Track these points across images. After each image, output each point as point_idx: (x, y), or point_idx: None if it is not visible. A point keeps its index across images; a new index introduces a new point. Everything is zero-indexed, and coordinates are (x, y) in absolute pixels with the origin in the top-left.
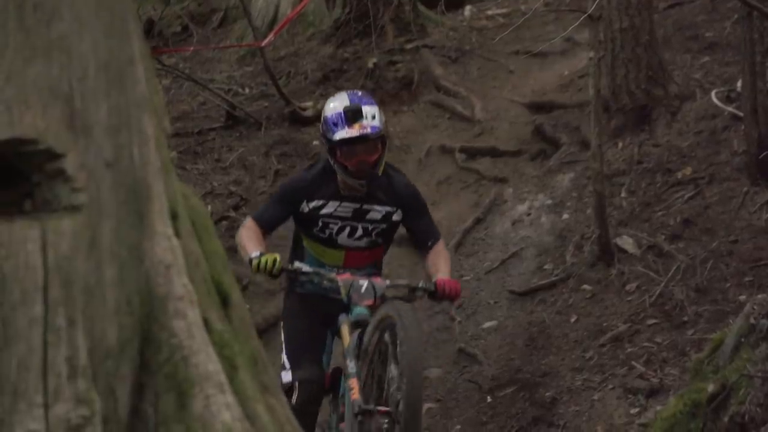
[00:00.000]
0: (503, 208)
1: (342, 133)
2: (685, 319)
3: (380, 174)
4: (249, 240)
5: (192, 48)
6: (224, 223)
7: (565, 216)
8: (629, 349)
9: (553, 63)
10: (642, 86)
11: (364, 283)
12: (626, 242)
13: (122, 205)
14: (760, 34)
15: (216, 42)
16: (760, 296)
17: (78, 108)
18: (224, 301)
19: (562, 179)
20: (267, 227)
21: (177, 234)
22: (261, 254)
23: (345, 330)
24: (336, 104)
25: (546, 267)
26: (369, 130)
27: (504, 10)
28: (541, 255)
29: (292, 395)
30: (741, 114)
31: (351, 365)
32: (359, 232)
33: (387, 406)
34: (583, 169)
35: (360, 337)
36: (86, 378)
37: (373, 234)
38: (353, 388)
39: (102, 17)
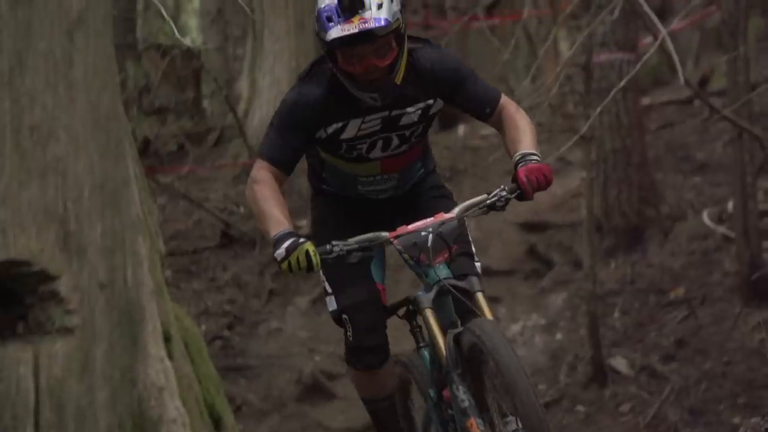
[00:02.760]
0: None
1: (336, 31)
2: None
3: (399, 81)
4: (267, 205)
5: (187, 167)
6: (218, 342)
7: (558, 336)
8: None
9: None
10: (634, 206)
11: (429, 235)
12: (620, 363)
13: (115, 327)
14: (751, 156)
15: (212, 161)
16: (753, 420)
17: (72, 229)
18: (217, 424)
19: (555, 299)
20: (287, 169)
21: (170, 356)
22: (287, 251)
23: (432, 321)
24: None
25: (539, 387)
26: (373, 24)
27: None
28: (534, 375)
29: (346, 329)
30: (732, 235)
31: (461, 393)
32: (395, 142)
33: None
34: (576, 289)
35: (458, 340)
36: None
37: (413, 137)
38: None
39: (98, 138)
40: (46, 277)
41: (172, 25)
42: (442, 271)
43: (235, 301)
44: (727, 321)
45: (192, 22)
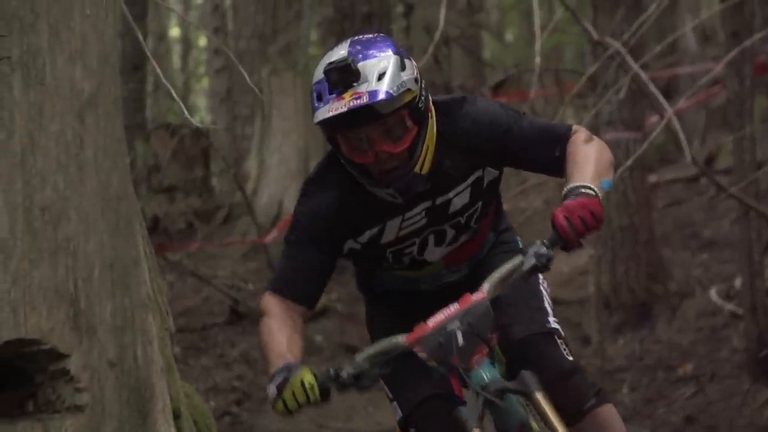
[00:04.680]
0: None
1: (323, 111)
2: None
3: (423, 169)
4: (268, 338)
5: (196, 245)
6: (227, 418)
7: None
8: None
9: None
10: (642, 283)
11: (455, 329)
12: None
13: (125, 405)
14: (758, 234)
15: (220, 238)
16: None
17: (83, 308)
18: None
19: None
20: (305, 301)
21: None
22: (278, 388)
23: None
24: (324, 63)
25: None
26: (367, 98)
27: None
28: None
29: None
30: (740, 312)
31: None
32: (450, 233)
33: None
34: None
35: None
36: None
37: (472, 222)
38: None
39: (108, 218)
40: (56, 355)
41: (182, 105)
42: (484, 374)
43: (243, 377)
44: (736, 398)
45: (201, 102)
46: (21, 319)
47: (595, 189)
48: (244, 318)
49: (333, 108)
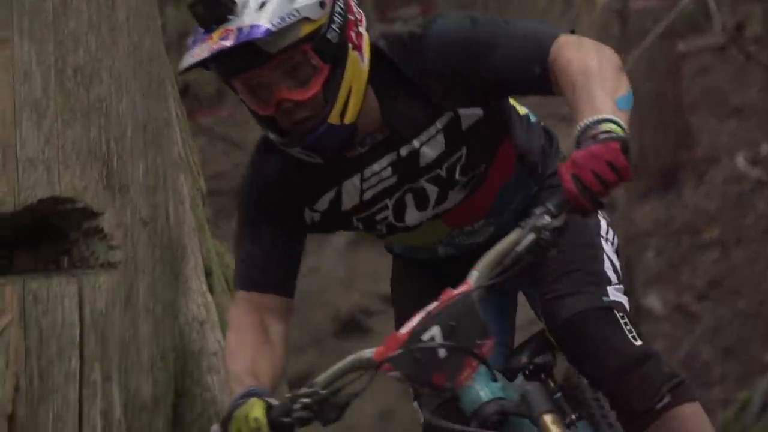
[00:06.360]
0: None
1: (187, 58)
2: (712, 378)
3: (346, 118)
4: (229, 361)
5: (227, 110)
6: None
7: None
8: None
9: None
10: (669, 150)
11: (435, 331)
12: (653, 302)
13: (158, 263)
14: None
15: None
16: None
17: (115, 168)
18: None
19: None
20: (279, 287)
21: (211, 291)
22: (223, 424)
23: None
24: None
25: None
26: (233, 38)
27: None
28: None
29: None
30: (766, 178)
31: None
32: (432, 191)
33: None
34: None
35: None
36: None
37: (457, 174)
38: None
39: (140, 79)
40: (89, 213)
41: None
42: (479, 391)
43: None
44: (761, 262)
45: None
46: (55, 178)
47: (617, 120)
48: None
49: (196, 53)
